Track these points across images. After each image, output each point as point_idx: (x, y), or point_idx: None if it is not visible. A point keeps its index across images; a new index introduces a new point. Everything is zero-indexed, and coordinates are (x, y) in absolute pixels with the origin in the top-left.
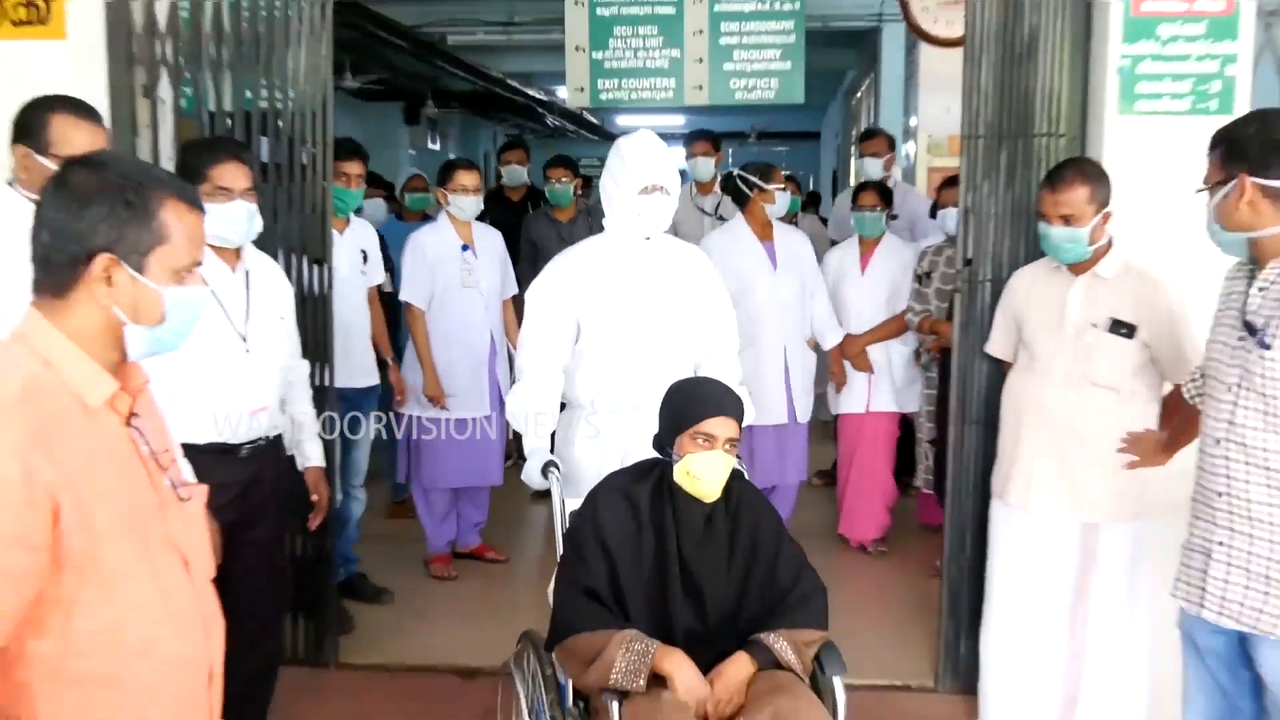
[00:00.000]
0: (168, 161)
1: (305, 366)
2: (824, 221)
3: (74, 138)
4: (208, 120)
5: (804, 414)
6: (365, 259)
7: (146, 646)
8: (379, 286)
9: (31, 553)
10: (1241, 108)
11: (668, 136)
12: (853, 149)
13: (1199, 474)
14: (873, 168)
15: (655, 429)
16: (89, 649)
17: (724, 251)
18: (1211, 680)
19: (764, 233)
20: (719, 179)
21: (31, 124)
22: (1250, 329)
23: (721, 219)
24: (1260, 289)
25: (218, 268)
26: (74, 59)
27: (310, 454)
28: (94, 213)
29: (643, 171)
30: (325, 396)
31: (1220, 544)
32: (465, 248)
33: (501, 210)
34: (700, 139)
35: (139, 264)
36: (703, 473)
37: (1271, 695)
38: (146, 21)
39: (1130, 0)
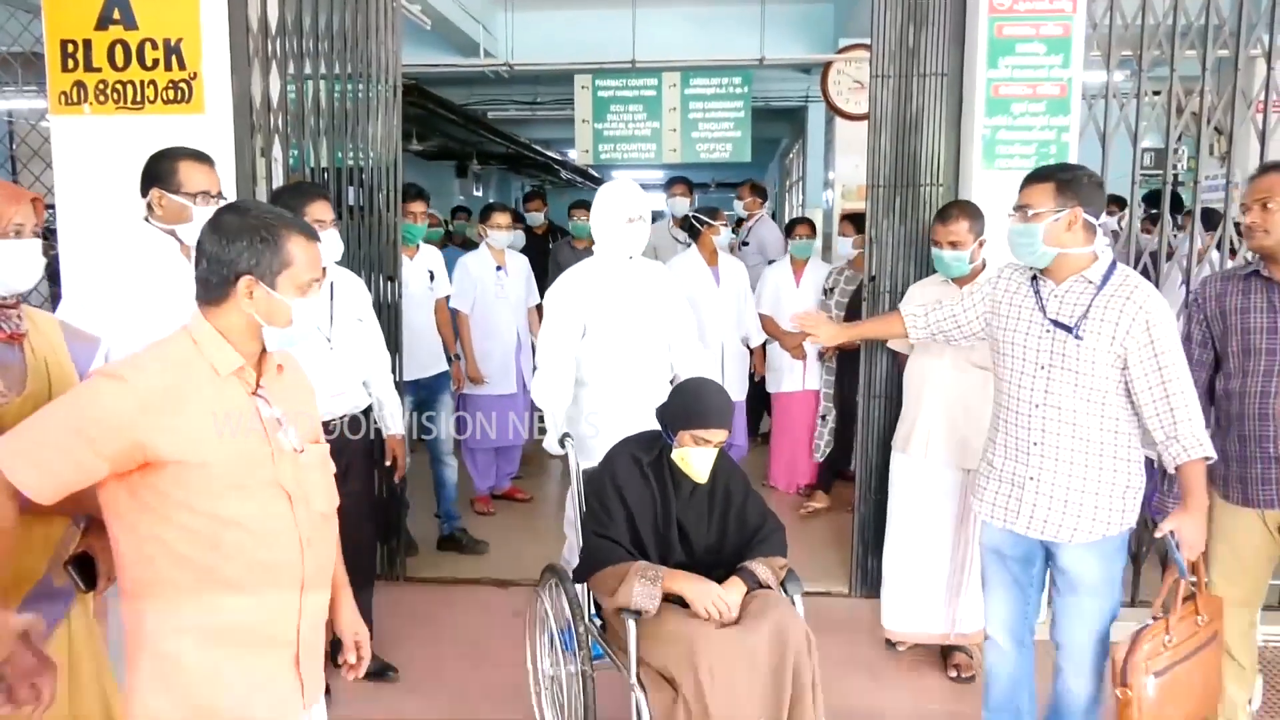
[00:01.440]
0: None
1: (386, 357)
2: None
3: (197, 178)
4: (308, 174)
5: (736, 394)
6: (432, 277)
7: (239, 551)
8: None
9: (93, 455)
10: None
11: (649, 186)
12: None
13: (1008, 429)
14: (737, 206)
15: (642, 399)
16: (197, 540)
17: (682, 272)
18: (1010, 576)
19: (711, 259)
20: (682, 217)
21: (161, 169)
22: (1062, 326)
23: (688, 245)
24: (1057, 297)
25: None
26: (210, 128)
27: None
28: (238, 246)
29: (626, 207)
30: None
31: (1031, 479)
32: (499, 268)
33: (529, 242)
34: (678, 183)
35: (272, 282)
36: (696, 464)
37: (1064, 579)
38: (263, 100)
39: (990, 86)
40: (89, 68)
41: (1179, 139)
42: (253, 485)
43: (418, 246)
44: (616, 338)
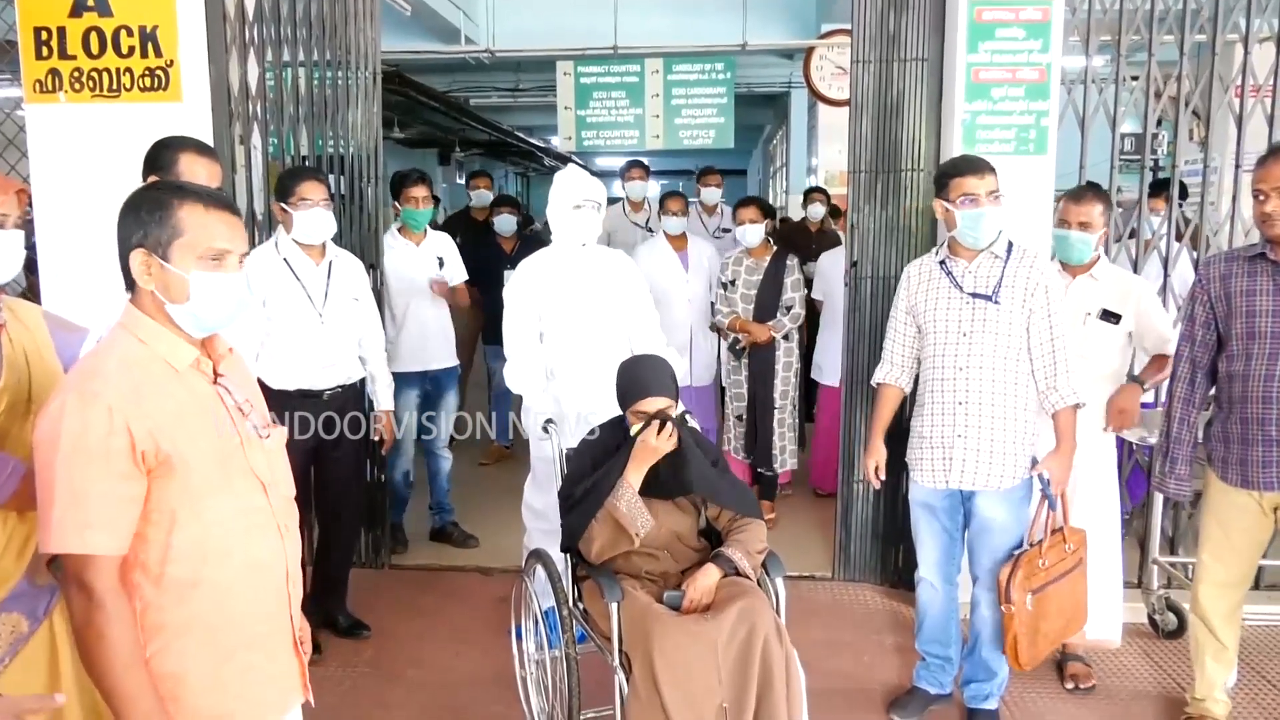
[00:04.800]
0: (260, 192)
1: (382, 336)
2: None
3: (197, 170)
4: (288, 162)
5: (704, 379)
6: (441, 264)
7: (226, 554)
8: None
9: (139, 481)
10: (1051, 150)
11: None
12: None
13: (934, 395)
14: (712, 195)
15: (601, 388)
16: (181, 557)
17: (649, 259)
18: (940, 527)
19: (678, 244)
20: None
21: (162, 159)
22: (981, 296)
23: (650, 230)
24: (970, 273)
25: (304, 261)
26: (188, 116)
27: (381, 400)
28: (129, 220)
29: (573, 193)
30: None
31: (960, 437)
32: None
33: (468, 226)
34: (635, 167)
35: (164, 254)
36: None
37: (978, 524)
38: (242, 87)
39: (970, 70)
40: (64, 55)
41: (1158, 124)
42: (230, 479)
43: (424, 233)
44: (570, 327)
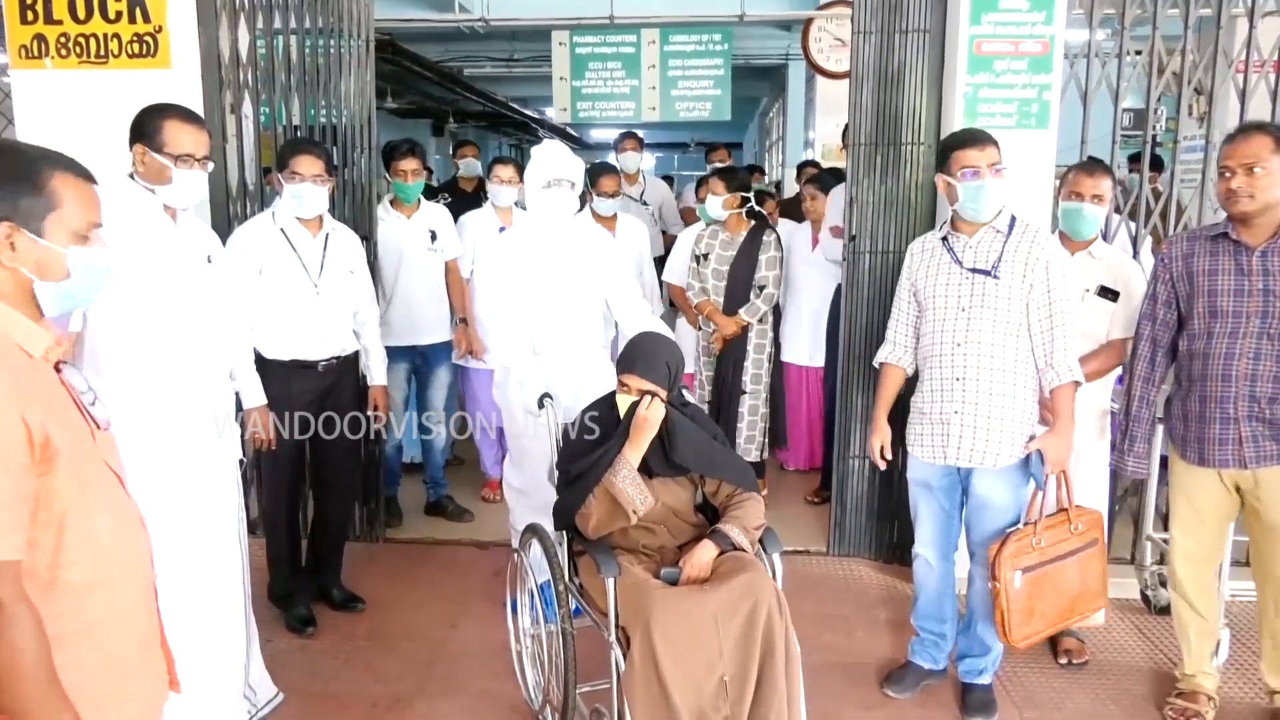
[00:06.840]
0: (251, 162)
1: (376, 310)
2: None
3: (183, 138)
4: (280, 132)
5: None
6: (434, 238)
7: (117, 548)
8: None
9: (35, 478)
10: (1053, 124)
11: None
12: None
13: (932, 371)
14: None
15: (575, 366)
16: (74, 560)
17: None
18: (938, 505)
19: (607, 226)
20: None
21: (147, 126)
22: (981, 271)
23: (645, 203)
24: (971, 248)
25: (301, 233)
26: (177, 83)
27: (374, 375)
28: None
29: (545, 171)
30: None
31: (956, 413)
32: (503, 229)
33: (456, 197)
34: (628, 138)
35: (37, 229)
36: (623, 408)
37: (975, 501)
38: (232, 54)
39: (973, 42)
40: (49, 20)
41: (1159, 99)
42: (95, 470)
43: (417, 204)
44: (543, 302)
